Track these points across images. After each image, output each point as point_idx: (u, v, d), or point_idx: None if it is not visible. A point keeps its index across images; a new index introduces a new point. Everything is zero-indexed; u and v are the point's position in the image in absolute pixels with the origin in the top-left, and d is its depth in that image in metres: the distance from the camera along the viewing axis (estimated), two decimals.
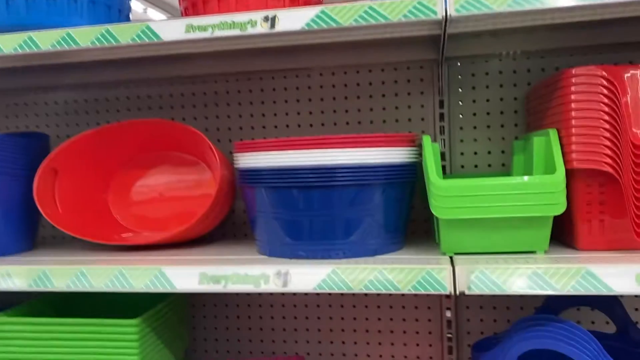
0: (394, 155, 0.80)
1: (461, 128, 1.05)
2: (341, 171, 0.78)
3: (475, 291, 0.70)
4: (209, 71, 1.08)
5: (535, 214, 0.73)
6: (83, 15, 0.92)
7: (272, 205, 0.82)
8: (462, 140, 1.04)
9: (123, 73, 1.12)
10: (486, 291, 0.69)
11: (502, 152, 1.04)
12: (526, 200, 0.73)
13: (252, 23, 0.76)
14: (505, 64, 1.03)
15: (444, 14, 0.73)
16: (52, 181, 0.99)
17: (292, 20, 0.74)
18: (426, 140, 0.80)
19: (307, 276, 0.74)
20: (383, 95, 1.07)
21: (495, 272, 0.70)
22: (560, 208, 0.73)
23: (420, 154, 0.85)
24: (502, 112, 1.03)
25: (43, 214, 0.95)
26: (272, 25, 0.75)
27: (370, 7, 0.74)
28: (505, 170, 1.03)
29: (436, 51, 1.00)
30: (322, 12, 0.75)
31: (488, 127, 1.04)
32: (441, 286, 0.71)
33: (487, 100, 1.04)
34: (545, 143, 0.79)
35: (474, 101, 1.04)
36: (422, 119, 1.06)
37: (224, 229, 1.14)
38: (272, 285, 0.75)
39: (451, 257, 0.78)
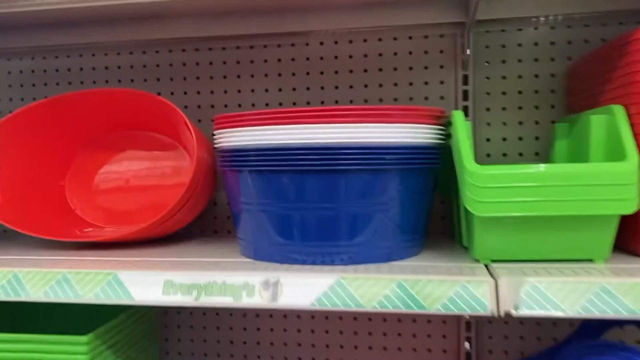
0: (417, 133, 0.63)
1: (488, 109, 0.88)
2: (348, 152, 0.61)
3: (525, 312, 0.53)
4: (190, 34, 0.91)
5: (602, 212, 0.56)
6: None
7: (260, 194, 0.65)
8: (488, 124, 0.88)
9: (87, 34, 0.94)
10: (540, 312, 0.53)
11: (536, 138, 0.87)
12: (591, 194, 0.56)
13: None
14: (542, 33, 0.86)
15: None
16: None
17: None
18: (458, 116, 0.64)
19: (303, 287, 0.57)
20: (395, 69, 0.90)
21: (551, 287, 0.53)
22: (632, 205, 0.56)
23: (446, 135, 0.68)
24: (536, 91, 0.87)
25: None
26: None
27: None
28: (541, 160, 0.87)
29: (462, 13, 0.82)
30: None
31: (520, 108, 0.87)
32: (480, 304, 0.54)
33: (519, 77, 0.87)
34: (608, 123, 0.63)
35: (503, 77, 0.87)
36: (442, 98, 0.89)
37: (203, 224, 0.97)
38: (257, 299, 0.58)
39: (487, 266, 0.61)
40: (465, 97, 0.88)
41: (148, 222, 0.77)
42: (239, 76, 0.95)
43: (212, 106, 0.96)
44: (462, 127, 0.62)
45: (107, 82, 0.99)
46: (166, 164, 0.93)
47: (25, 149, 0.85)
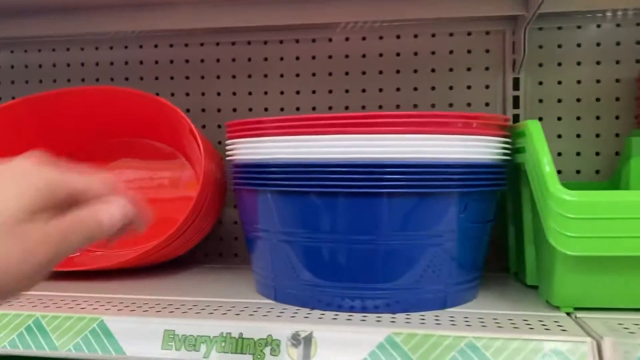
0: (482, 147, 0.51)
1: (540, 119, 0.75)
2: (397, 170, 0.48)
3: None
4: (194, 25, 0.78)
5: None
6: None
7: (284, 221, 0.52)
8: None
9: (76, 24, 0.81)
10: None
11: (597, 153, 0.75)
12: None
13: None
14: (606, 32, 0.74)
15: None
16: None
17: None
18: (534, 127, 0.51)
19: (343, 346, 0.44)
20: (433, 70, 0.78)
21: None
22: None
23: (512, 150, 0.56)
24: (598, 99, 0.75)
25: None
26: None
27: None
28: (602, 179, 0.75)
29: (519, 4, 0.70)
30: None
31: (578, 118, 0.75)
32: None
33: (578, 82, 0.75)
34: None
35: (559, 82, 0.75)
36: (487, 104, 0.77)
37: (207, 247, 0.84)
38: (284, 358, 0.45)
39: (571, 316, 0.49)
40: (516, 104, 0.75)
41: (147, 242, 0.64)
42: (250, 76, 0.82)
43: (219, 110, 0.83)
44: (541, 141, 0.50)
45: (97, 80, 0.86)
46: (164, 175, 0.81)
47: None
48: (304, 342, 0.45)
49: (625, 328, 0.44)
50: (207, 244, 0.83)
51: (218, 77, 0.83)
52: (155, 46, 0.84)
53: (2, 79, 0.88)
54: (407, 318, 0.48)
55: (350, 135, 0.49)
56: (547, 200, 0.46)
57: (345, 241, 0.50)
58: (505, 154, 0.54)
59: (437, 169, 0.49)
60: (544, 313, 0.49)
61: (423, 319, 0.48)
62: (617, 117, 0.74)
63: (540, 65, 0.76)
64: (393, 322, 0.46)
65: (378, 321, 0.47)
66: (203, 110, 0.84)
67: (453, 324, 0.46)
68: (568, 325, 0.45)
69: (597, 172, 0.75)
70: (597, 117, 0.75)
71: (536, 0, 0.64)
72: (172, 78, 0.84)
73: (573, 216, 0.44)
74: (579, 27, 0.75)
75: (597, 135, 0.75)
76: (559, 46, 0.75)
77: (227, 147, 0.58)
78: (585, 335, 0.43)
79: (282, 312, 0.50)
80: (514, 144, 0.56)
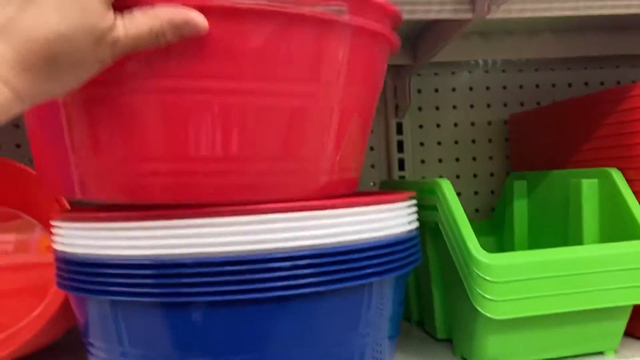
0: (402, 217, 0.43)
1: (423, 161, 0.77)
2: (292, 264, 0.36)
3: None
4: None
5: (628, 302, 0.47)
6: None
7: (145, 342, 0.38)
8: (423, 178, 0.77)
9: None
10: None
11: (475, 193, 0.78)
12: (614, 282, 0.46)
13: None
14: (477, 77, 0.78)
15: None
16: None
17: None
18: (447, 187, 0.50)
19: None
20: None
21: None
22: None
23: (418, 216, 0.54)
24: (473, 141, 0.78)
25: None
26: None
27: None
28: (481, 217, 0.78)
29: (404, 55, 0.70)
30: None
31: (457, 160, 0.78)
32: None
33: (455, 125, 0.78)
34: (602, 189, 0.54)
35: (438, 125, 0.77)
36: (372, 149, 0.76)
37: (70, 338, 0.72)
38: None
39: None
40: (400, 148, 0.76)
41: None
42: None
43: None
44: (455, 202, 0.49)
45: None
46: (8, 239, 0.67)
47: None
48: None
49: None
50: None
51: None
52: None
53: None
54: None
55: (226, 220, 0.35)
56: (470, 265, 0.45)
57: None
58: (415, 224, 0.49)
59: (349, 256, 0.37)
60: None
61: None
62: (490, 158, 0.78)
63: (420, 109, 0.77)
64: None
65: None
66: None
67: None
68: None
69: (477, 210, 0.78)
70: (474, 158, 0.78)
71: (425, 52, 0.65)
72: None
73: (498, 280, 0.44)
74: (453, 73, 0.77)
75: (475, 176, 0.78)
76: (436, 90, 0.77)
77: (55, 233, 0.42)
78: None
79: None
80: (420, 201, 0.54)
